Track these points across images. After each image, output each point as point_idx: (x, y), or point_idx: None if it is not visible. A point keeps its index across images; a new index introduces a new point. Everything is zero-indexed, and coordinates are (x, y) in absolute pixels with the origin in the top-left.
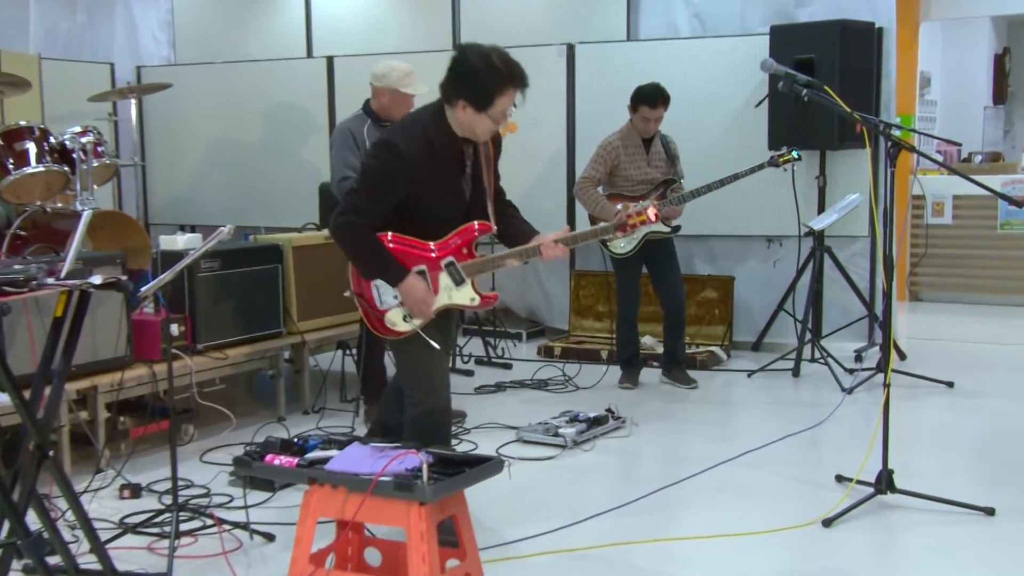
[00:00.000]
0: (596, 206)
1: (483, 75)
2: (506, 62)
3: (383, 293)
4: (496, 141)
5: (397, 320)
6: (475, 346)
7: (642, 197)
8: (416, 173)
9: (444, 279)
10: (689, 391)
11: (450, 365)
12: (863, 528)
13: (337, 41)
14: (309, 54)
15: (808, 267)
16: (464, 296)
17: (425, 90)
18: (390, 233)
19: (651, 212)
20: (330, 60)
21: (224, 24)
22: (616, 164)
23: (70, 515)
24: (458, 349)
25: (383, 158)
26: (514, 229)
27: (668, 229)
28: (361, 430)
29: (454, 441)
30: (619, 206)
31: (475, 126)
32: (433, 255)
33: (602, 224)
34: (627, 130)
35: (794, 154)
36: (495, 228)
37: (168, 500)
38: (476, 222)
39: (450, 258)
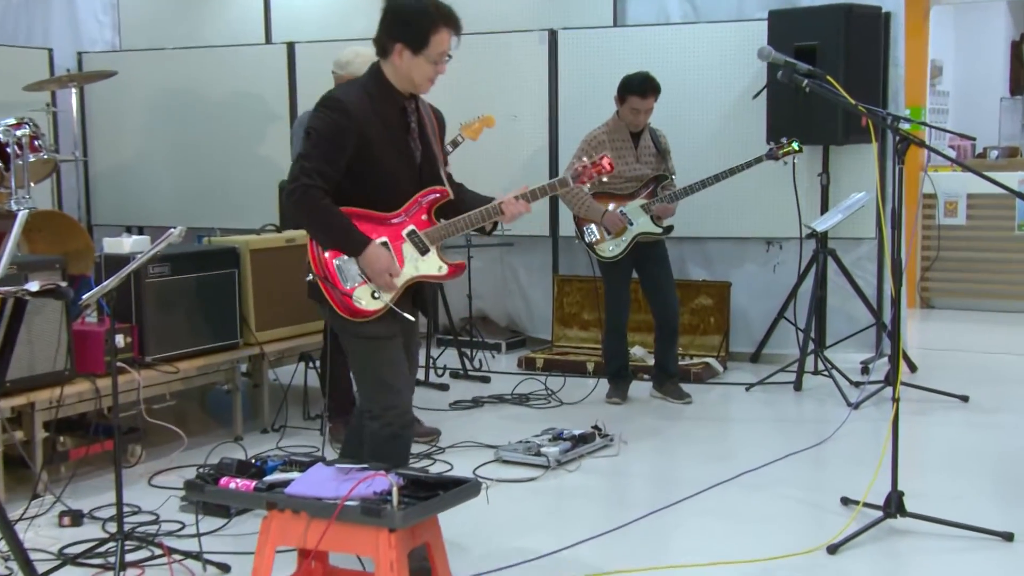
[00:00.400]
0: (582, 205)
1: (416, 15)
2: (436, 4)
3: (347, 270)
4: (439, 117)
5: (365, 297)
6: (450, 358)
7: (631, 195)
8: (362, 126)
9: (408, 249)
10: (682, 406)
11: (423, 379)
12: (871, 555)
13: (299, 26)
14: (268, 40)
15: (811, 272)
16: (431, 265)
17: None
18: (356, 208)
19: (605, 161)
20: (291, 46)
21: (174, 6)
22: None
23: (3, 545)
24: (432, 361)
25: (326, 115)
26: (469, 198)
27: (660, 230)
28: (327, 450)
29: (427, 462)
30: (611, 206)
31: (412, 72)
32: (391, 225)
33: (560, 177)
34: (614, 123)
35: (795, 145)
36: (452, 194)
37: (112, 528)
38: (430, 187)
39: (411, 227)
